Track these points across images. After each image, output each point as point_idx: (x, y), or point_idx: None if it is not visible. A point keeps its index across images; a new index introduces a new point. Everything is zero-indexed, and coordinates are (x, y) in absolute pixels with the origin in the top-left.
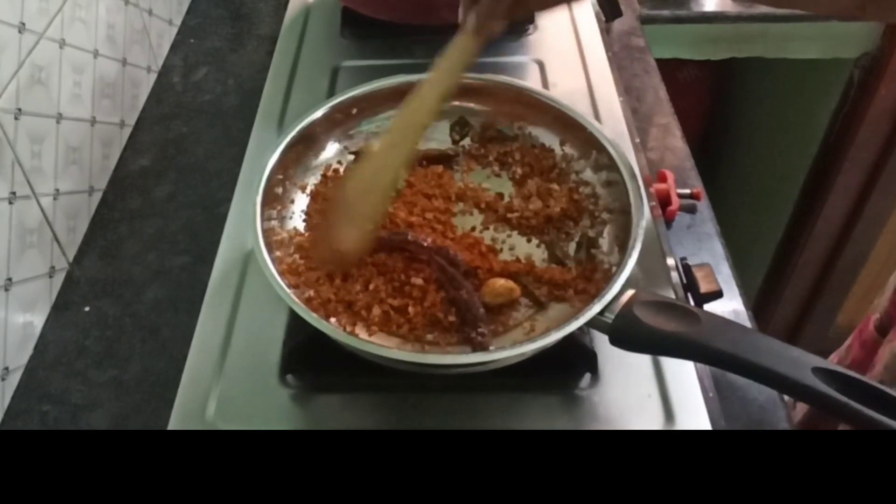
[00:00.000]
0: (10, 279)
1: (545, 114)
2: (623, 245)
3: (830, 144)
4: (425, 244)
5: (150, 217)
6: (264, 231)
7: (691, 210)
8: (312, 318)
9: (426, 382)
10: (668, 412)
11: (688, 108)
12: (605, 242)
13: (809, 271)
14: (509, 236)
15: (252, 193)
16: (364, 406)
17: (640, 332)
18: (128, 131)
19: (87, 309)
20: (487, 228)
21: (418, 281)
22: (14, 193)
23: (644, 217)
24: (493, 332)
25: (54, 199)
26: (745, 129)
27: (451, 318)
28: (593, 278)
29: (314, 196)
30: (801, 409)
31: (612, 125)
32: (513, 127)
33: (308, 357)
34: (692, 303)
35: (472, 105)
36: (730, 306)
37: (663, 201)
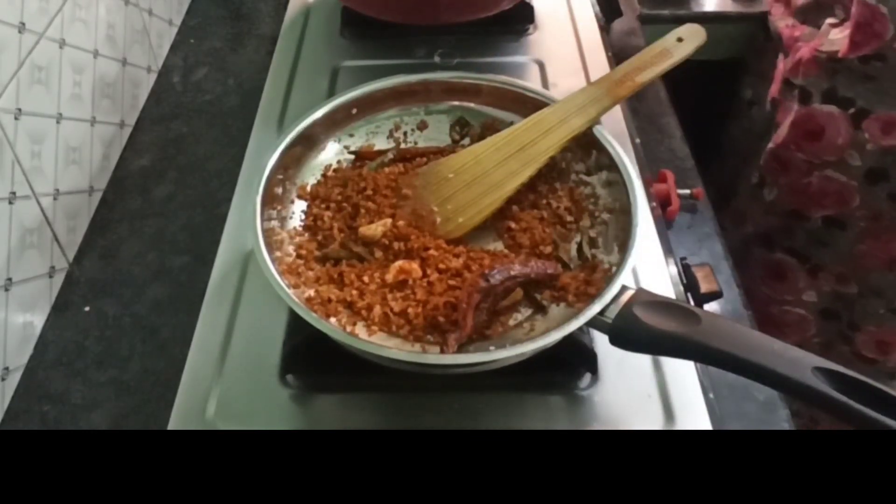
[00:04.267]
0: (10, 279)
1: None
2: (623, 245)
3: None
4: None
5: (150, 217)
6: (264, 231)
7: (691, 210)
8: (312, 318)
9: (426, 382)
10: (668, 412)
11: (688, 108)
12: (604, 242)
13: None
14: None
15: (252, 193)
16: (364, 406)
17: (640, 332)
18: (128, 131)
19: (87, 309)
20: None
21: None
22: (14, 193)
23: (644, 217)
24: (494, 333)
25: (54, 199)
26: (744, 128)
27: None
28: (593, 278)
29: (314, 196)
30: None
31: (612, 125)
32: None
33: (308, 357)
34: (692, 303)
35: (472, 105)
36: (730, 306)
37: (663, 201)
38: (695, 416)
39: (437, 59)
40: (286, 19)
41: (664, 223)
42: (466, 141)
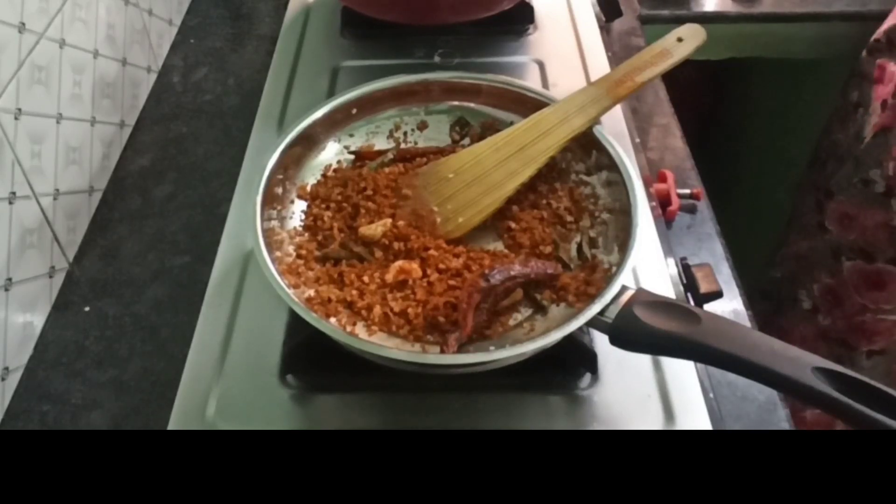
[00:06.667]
0: (10, 279)
1: None
2: (623, 245)
3: None
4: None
5: (150, 217)
6: (264, 231)
7: (691, 210)
8: (312, 318)
9: (426, 382)
10: (668, 412)
11: (688, 108)
12: (605, 242)
13: None
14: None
15: (252, 193)
16: (364, 406)
17: (640, 332)
18: (128, 131)
19: (87, 309)
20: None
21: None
22: (14, 193)
23: (644, 217)
24: (494, 333)
25: (54, 199)
26: (744, 128)
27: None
28: (593, 278)
29: (314, 196)
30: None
31: (612, 125)
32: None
33: (308, 357)
34: (692, 303)
35: (472, 105)
36: (730, 306)
37: (663, 201)
38: (695, 416)
39: (437, 59)
40: (286, 19)
41: (664, 223)
42: (466, 141)
